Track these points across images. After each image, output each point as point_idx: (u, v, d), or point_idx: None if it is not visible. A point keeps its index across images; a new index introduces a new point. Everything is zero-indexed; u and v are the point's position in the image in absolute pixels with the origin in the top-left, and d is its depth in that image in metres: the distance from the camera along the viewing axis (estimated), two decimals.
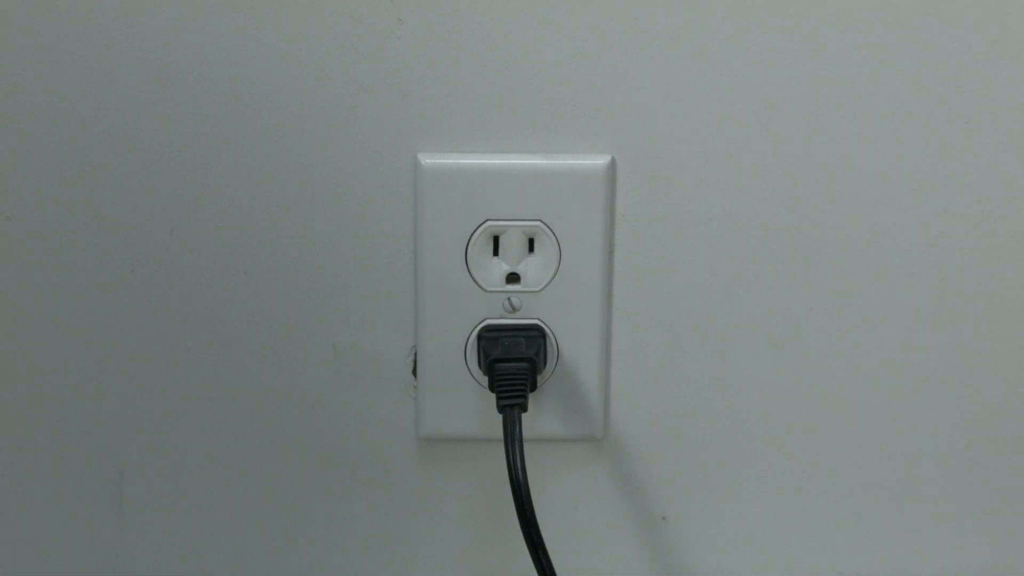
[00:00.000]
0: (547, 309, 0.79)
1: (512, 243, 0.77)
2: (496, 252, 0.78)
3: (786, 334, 0.80)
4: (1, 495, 0.82)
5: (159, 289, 0.79)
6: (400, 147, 0.77)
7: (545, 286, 0.78)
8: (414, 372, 0.80)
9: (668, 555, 0.84)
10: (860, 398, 0.81)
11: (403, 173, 0.77)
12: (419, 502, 0.83)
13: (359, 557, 0.84)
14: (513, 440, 0.75)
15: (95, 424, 0.81)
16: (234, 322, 0.79)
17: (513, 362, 0.77)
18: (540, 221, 0.77)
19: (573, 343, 0.79)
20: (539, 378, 0.79)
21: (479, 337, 0.79)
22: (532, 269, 0.78)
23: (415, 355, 0.80)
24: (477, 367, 0.79)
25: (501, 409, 0.76)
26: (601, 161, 0.77)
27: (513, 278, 0.78)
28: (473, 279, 0.78)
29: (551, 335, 0.79)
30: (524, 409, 0.76)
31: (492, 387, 0.77)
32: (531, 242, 0.78)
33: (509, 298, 0.78)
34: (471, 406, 0.80)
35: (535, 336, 0.78)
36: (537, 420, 0.80)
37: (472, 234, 0.77)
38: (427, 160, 0.76)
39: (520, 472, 0.74)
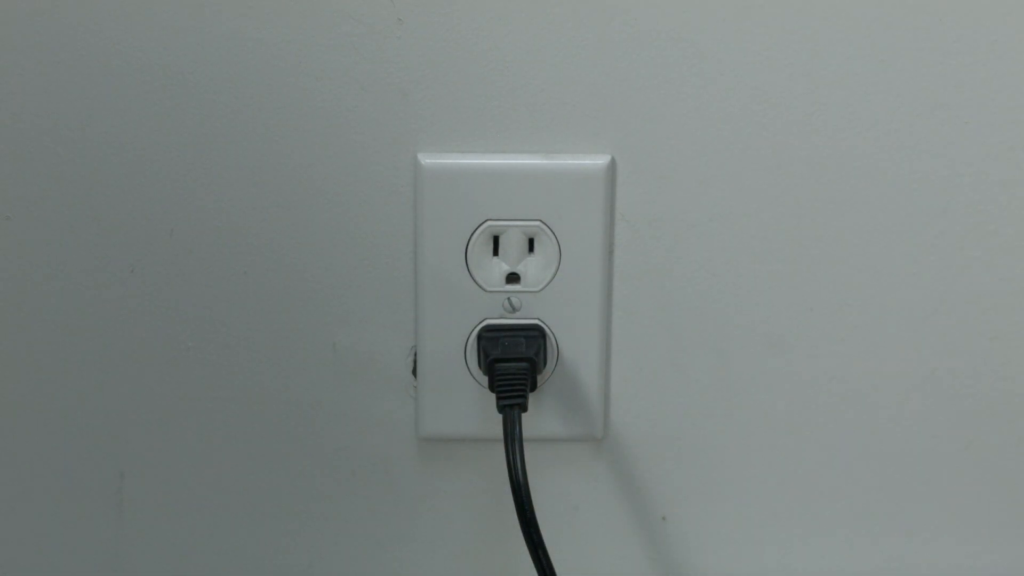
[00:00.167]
0: (547, 309, 0.79)
1: (512, 243, 0.77)
2: (496, 252, 0.78)
3: (786, 334, 0.80)
4: (1, 495, 0.82)
5: (159, 289, 0.79)
6: (400, 147, 0.77)
7: (545, 286, 0.78)
8: (414, 372, 0.80)
9: (668, 555, 0.84)
10: (860, 398, 0.81)
11: (403, 173, 0.77)
12: (419, 502, 0.83)
13: (359, 557, 0.84)
14: (513, 440, 0.75)
15: (95, 424, 0.81)
16: (234, 322, 0.79)
17: (513, 362, 0.77)
18: (540, 221, 0.77)
19: (573, 343, 0.79)
20: (539, 378, 0.79)
21: (479, 337, 0.79)
22: (532, 269, 0.78)
23: (415, 355, 0.80)
24: (477, 367, 0.79)
25: (501, 409, 0.76)
26: (601, 161, 0.77)
27: (513, 278, 0.78)
28: (473, 279, 0.78)
29: (551, 335, 0.79)
30: (524, 409, 0.76)
31: (492, 387, 0.77)
32: (531, 242, 0.78)
33: (509, 298, 0.78)
34: (471, 406, 0.80)
35: (535, 336, 0.78)
36: (537, 420, 0.80)
37: (472, 234, 0.77)
38: (427, 160, 0.76)
39: (520, 472, 0.74)
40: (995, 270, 0.79)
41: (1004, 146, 0.77)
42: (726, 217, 0.78)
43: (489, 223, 0.77)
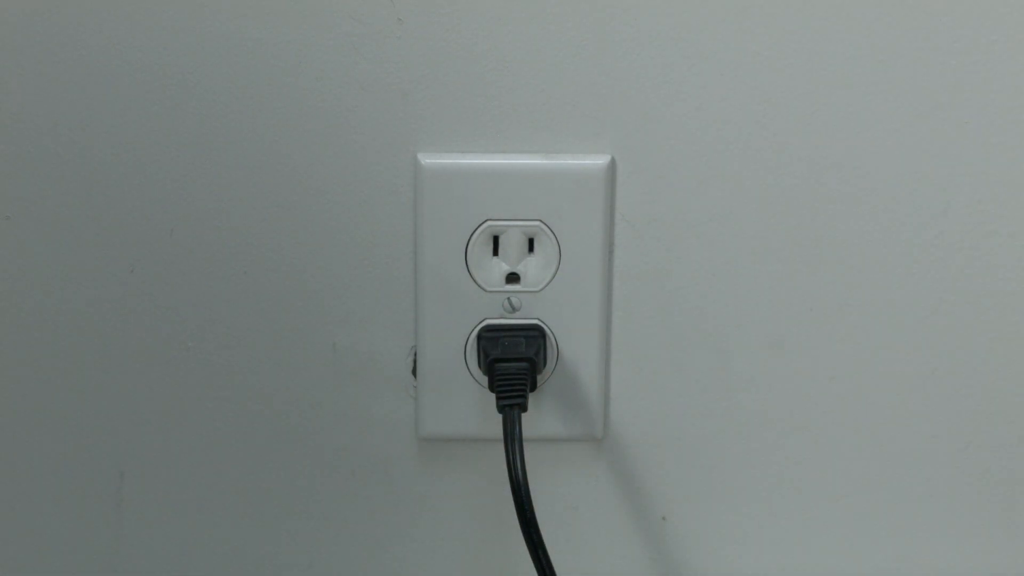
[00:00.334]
0: (547, 309, 0.79)
1: (512, 243, 0.77)
2: (496, 252, 0.78)
3: (786, 334, 0.80)
4: (1, 495, 0.82)
5: (159, 289, 0.79)
6: (400, 147, 0.77)
7: (545, 286, 0.78)
8: (414, 372, 0.80)
9: (668, 555, 0.84)
10: (860, 398, 0.81)
11: (403, 173, 0.77)
12: (419, 502, 0.83)
13: (359, 557, 0.84)
14: (513, 440, 0.75)
15: (95, 424, 0.81)
16: (234, 322, 0.79)
17: (513, 362, 0.77)
18: (540, 221, 0.77)
19: (573, 343, 0.79)
20: (539, 378, 0.79)
21: (479, 337, 0.79)
22: (532, 269, 0.78)
23: (415, 355, 0.80)
24: (477, 367, 0.79)
25: (501, 409, 0.76)
26: (601, 161, 0.77)
27: (513, 278, 0.78)
28: (473, 279, 0.78)
29: (551, 335, 0.79)
30: (524, 409, 0.76)
31: (492, 387, 0.77)
32: (531, 242, 0.78)
33: (509, 298, 0.78)
34: (471, 406, 0.80)
35: (535, 336, 0.78)
36: (537, 420, 0.80)
37: (472, 234, 0.77)
38: (427, 160, 0.76)
39: (520, 472, 0.74)
40: (995, 270, 0.79)
41: (1004, 146, 0.77)
42: (726, 217, 0.78)
43: (489, 223, 0.77)
